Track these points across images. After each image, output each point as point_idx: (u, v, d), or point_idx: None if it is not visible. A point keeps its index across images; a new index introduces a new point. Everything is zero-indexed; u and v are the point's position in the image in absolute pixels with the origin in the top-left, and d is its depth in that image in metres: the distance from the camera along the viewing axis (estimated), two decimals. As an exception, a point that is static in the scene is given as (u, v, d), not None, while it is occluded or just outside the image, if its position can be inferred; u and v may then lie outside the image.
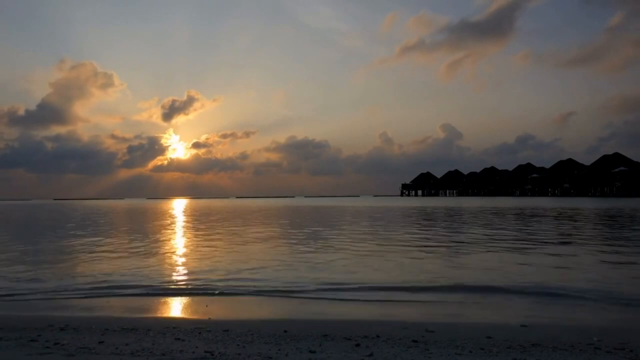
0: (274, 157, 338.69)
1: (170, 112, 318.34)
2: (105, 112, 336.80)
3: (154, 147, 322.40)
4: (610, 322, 7.53)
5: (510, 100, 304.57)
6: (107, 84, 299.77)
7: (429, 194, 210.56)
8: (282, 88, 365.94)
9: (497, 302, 8.94)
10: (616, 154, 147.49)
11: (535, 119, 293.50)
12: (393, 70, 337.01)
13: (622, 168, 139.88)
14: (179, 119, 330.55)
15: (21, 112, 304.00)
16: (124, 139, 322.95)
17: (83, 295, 9.89)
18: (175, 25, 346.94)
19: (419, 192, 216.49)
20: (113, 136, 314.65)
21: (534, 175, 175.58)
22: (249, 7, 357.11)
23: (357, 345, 5.92)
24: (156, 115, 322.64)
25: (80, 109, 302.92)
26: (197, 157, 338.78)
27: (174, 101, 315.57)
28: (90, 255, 16.28)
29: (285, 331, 6.66)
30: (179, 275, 12.00)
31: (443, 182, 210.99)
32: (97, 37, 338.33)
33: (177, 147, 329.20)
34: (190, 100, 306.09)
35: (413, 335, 6.39)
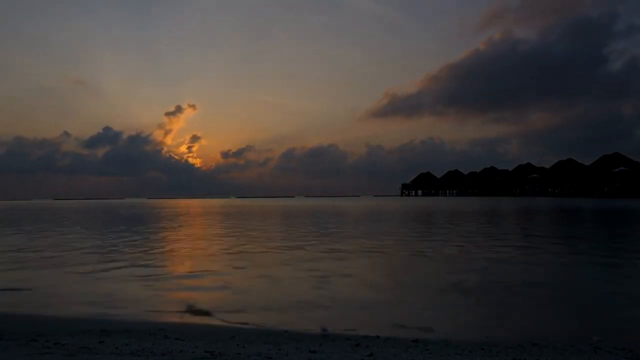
0: (275, 158, 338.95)
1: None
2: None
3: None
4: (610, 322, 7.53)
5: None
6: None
7: (429, 194, 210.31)
8: (285, 89, 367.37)
9: (497, 303, 8.94)
10: (616, 154, 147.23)
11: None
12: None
13: (622, 168, 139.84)
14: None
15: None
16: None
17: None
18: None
19: (419, 192, 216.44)
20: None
21: (534, 175, 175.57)
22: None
23: (357, 345, 5.91)
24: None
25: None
26: (205, 160, 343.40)
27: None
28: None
29: (286, 331, 6.66)
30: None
31: (443, 182, 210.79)
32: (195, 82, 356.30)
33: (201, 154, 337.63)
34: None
35: (413, 335, 6.39)
